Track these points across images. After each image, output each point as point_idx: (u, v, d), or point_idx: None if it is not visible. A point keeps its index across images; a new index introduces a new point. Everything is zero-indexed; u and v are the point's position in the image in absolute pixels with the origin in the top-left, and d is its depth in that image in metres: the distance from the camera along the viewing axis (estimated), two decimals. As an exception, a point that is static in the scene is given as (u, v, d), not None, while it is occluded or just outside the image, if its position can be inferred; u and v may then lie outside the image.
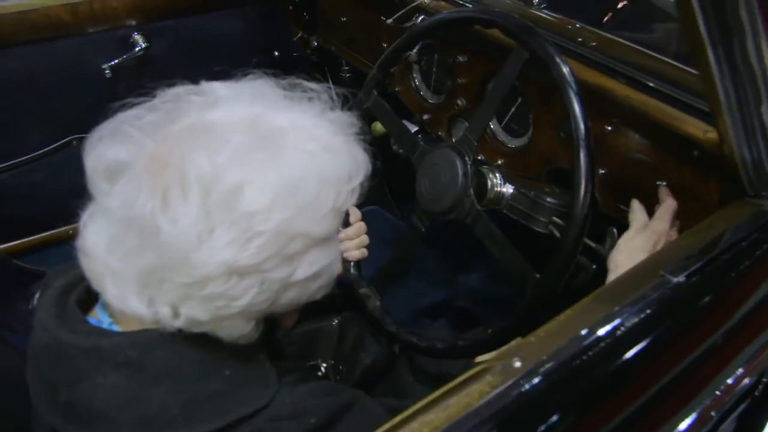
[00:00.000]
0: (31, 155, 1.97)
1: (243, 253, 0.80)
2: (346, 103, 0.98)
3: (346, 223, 1.45)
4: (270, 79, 0.96)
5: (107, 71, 1.95)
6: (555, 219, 1.23)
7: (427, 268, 1.87)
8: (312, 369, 1.35)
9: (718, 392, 0.92)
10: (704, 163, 1.14)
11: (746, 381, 0.96)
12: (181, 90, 0.90)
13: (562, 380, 0.79)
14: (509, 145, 1.59)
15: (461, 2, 1.66)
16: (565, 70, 1.13)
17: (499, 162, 1.59)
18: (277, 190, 0.81)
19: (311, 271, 0.88)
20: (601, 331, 0.83)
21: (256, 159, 0.82)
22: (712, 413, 0.92)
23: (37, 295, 1.95)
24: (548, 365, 0.79)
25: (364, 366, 1.41)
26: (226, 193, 0.79)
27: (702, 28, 0.83)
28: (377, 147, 1.47)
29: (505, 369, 0.79)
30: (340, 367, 1.36)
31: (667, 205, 1.16)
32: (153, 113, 0.87)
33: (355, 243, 1.42)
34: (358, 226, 1.43)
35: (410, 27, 1.61)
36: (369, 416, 0.94)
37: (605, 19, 1.97)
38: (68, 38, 1.90)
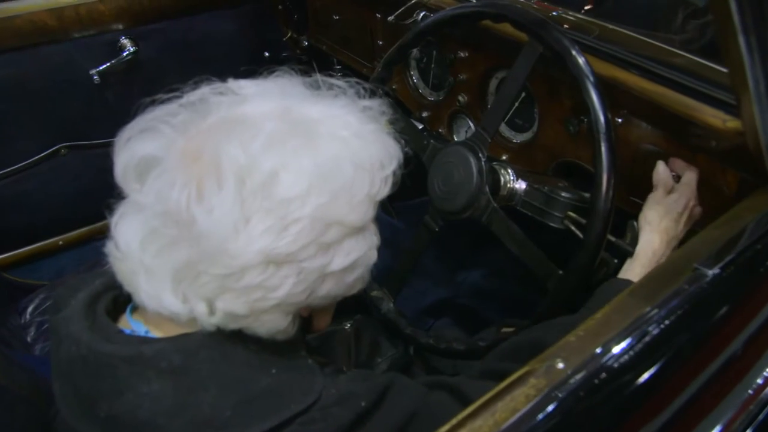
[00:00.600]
0: (19, 165, 1.91)
1: (280, 241, 0.79)
2: (373, 96, 0.97)
3: None
4: (296, 76, 0.95)
5: (95, 77, 1.90)
6: (570, 214, 1.20)
7: (429, 266, 1.85)
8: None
9: (760, 381, 0.90)
10: (723, 152, 1.12)
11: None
12: (207, 90, 0.88)
13: (607, 380, 0.77)
14: (514, 141, 1.57)
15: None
16: (582, 62, 1.11)
17: (504, 158, 1.57)
18: (313, 175, 0.81)
19: (348, 261, 0.87)
20: (643, 328, 0.81)
21: (291, 145, 0.81)
22: (751, 407, 0.90)
23: (30, 309, 1.90)
24: (592, 365, 0.77)
25: (380, 371, 1.38)
26: (261, 180, 0.78)
27: (735, 16, 0.81)
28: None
29: (549, 371, 0.77)
30: None
31: (691, 172, 1.16)
32: (183, 111, 0.86)
33: None
34: None
35: (412, 24, 1.58)
36: (409, 392, 0.94)
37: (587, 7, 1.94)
38: (54, 44, 1.86)
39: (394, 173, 0.92)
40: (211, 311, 0.81)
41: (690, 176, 1.16)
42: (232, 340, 0.84)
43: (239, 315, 0.82)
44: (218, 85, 0.90)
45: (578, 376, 0.75)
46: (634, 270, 1.10)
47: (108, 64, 1.92)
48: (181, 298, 0.81)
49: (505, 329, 1.39)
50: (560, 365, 0.77)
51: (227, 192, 0.77)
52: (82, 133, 1.97)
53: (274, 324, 0.85)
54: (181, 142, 0.82)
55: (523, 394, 0.74)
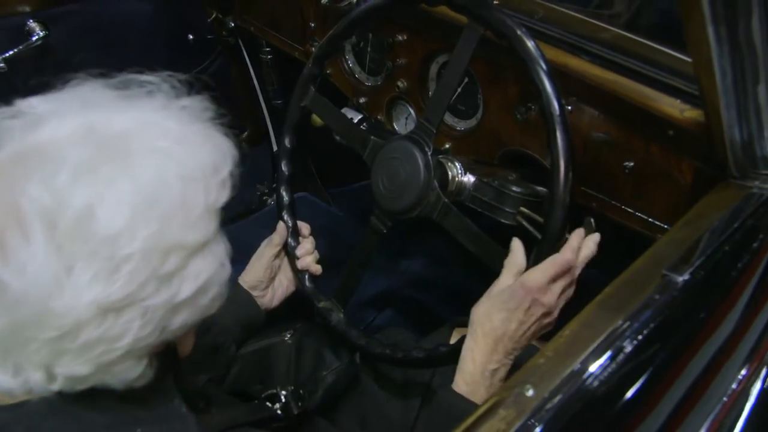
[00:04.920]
0: None
1: (113, 286, 0.70)
2: (192, 89, 0.87)
3: (296, 238, 1.36)
4: (97, 81, 0.83)
5: (1, 65, 1.74)
6: (523, 210, 1.14)
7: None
8: (270, 399, 1.22)
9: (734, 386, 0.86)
10: (679, 142, 1.08)
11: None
12: None
13: (580, 406, 0.71)
14: (457, 128, 1.50)
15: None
16: (531, 44, 1.04)
17: (447, 146, 1.50)
18: (135, 202, 0.71)
19: (198, 283, 0.77)
20: (616, 345, 0.76)
21: (103, 172, 0.71)
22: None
23: None
24: (564, 391, 0.71)
25: (326, 385, 1.30)
26: (75, 220, 0.68)
27: (705, 6, 0.76)
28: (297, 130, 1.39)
29: (518, 399, 0.70)
30: (301, 391, 1.24)
31: (556, 258, 0.99)
32: None
33: (314, 256, 1.32)
34: (312, 239, 1.37)
35: (347, 6, 1.49)
36: None
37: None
38: (-48, 28, 1.69)
39: (232, 174, 0.83)
40: (51, 378, 0.72)
41: (548, 262, 0.99)
42: (85, 400, 0.75)
43: (85, 375, 0.73)
44: (5, 110, 0.77)
45: (551, 405, 0.69)
46: (458, 384, 1.01)
47: (15, 50, 1.76)
48: (11, 372, 0.72)
49: (459, 328, 1.34)
50: (530, 392, 0.71)
51: (37, 243, 0.67)
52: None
53: (128, 373, 0.76)
54: None
55: (493, 428, 0.67)
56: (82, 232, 0.68)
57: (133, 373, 0.76)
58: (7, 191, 0.69)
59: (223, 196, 0.81)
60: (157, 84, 0.84)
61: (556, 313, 1.01)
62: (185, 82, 0.86)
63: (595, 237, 1.04)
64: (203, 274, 0.77)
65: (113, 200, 0.70)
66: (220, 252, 0.81)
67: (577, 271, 1.02)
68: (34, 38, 1.78)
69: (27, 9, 1.77)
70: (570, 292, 1.02)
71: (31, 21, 1.78)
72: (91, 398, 0.75)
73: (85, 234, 0.68)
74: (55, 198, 0.68)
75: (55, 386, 0.73)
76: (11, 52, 1.75)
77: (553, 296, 0.99)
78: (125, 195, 0.70)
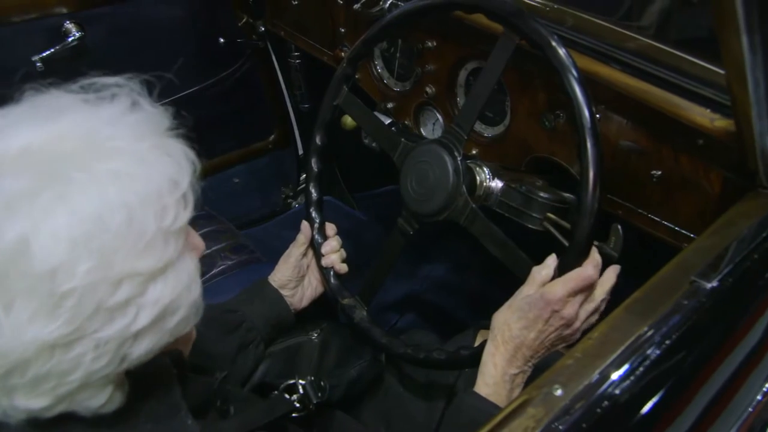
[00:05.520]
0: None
1: (55, 322, 0.66)
2: (153, 90, 0.82)
3: (323, 235, 1.38)
4: (53, 89, 0.79)
5: (38, 64, 1.78)
6: (550, 215, 1.15)
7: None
8: (289, 390, 1.24)
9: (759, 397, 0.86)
10: (709, 152, 1.08)
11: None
12: None
13: (607, 407, 0.72)
14: (485, 135, 1.51)
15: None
16: (564, 53, 1.05)
17: (474, 152, 1.51)
18: (72, 236, 0.66)
19: (157, 309, 0.73)
20: (644, 349, 0.76)
21: (41, 201, 0.66)
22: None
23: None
24: (591, 392, 0.72)
25: (349, 379, 1.32)
26: (9, 254, 0.64)
27: (740, 13, 0.76)
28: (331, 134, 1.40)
29: (547, 399, 0.71)
30: (322, 382, 1.26)
31: (578, 273, 1.00)
32: None
33: (339, 254, 1.33)
34: (338, 238, 1.37)
35: (378, 12, 1.50)
36: None
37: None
38: (-7, 28, 1.73)
39: (193, 187, 0.78)
40: (13, 409, 0.70)
41: (569, 276, 1.00)
42: (80, 421, 0.73)
43: (44, 407, 0.70)
44: None
45: (579, 405, 0.70)
46: (479, 387, 1.02)
47: (52, 50, 1.80)
48: None
49: (483, 331, 1.34)
50: (558, 392, 0.72)
51: None
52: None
53: (90, 402, 0.72)
54: None
55: (521, 426, 0.68)
56: (18, 266, 0.65)
57: (95, 401, 0.73)
58: None
59: (183, 215, 0.76)
60: (121, 86, 0.79)
61: (577, 325, 1.02)
62: (144, 82, 0.81)
63: (616, 268, 1.05)
64: (164, 298, 0.73)
65: (49, 233, 0.65)
66: (186, 273, 0.77)
67: (602, 303, 1.03)
68: (70, 39, 1.82)
69: (64, 10, 1.81)
70: (591, 306, 1.02)
71: (68, 22, 1.82)
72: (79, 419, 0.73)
73: (22, 269, 0.65)
74: None
75: (22, 415, 0.70)
76: (48, 52, 1.79)
77: (573, 309, 1.00)
78: (61, 229, 0.66)
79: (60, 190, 0.67)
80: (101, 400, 0.73)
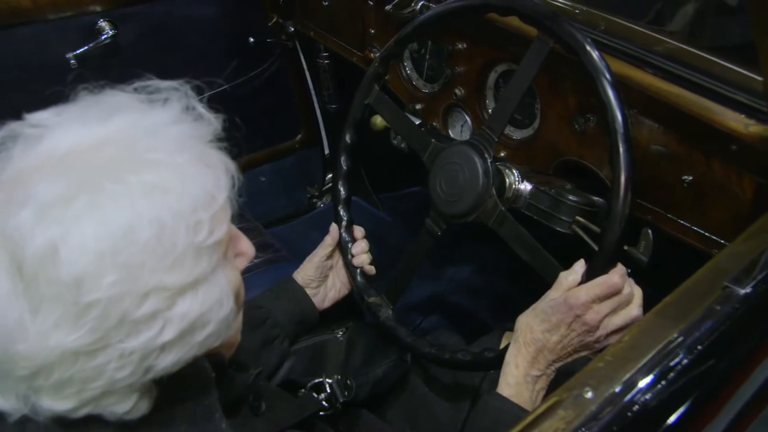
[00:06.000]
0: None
1: (79, 331, 0.66)
2: (200, 94, 0.82)
3: (351, 233, 1.38)
4: (108, 88, 0.80)
5: (72, 61, 1.80)
6: (579, 219, 1.15)
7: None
8: (316, 389, 1.25)
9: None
10: (742, 157, 1.07)
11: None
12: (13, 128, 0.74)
13: (637, 410, 0.71)
14: (513, 137, 1.51)
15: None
16: (597, 57, 1.05)
17: (502, 155, 1.51)
18: (99, 249, 0.66)
19: (185, 323, 0.72)
20: (673, 355, 0.76)
21: (74, 208, 0.67)
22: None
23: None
24: (623, 394, 0.72)
25: (375, 378, 1.33)
26: (38, 260, 0.65)
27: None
28: (359, 127, 1.41)
29: (577, 401, 0.71)
30: (348, 381, 1.27)
31: (603, 279, 1.01)
32: None
33: (368, 256, 1.36)
34: (366, 240, 1.39)
35: (409, 13, 1.51)
36: None
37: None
38: (28, 25, 1.75)
39: (230, 199, 0.78)
40: (39, 409, 0.70)
41: (597, 281, 1.01)
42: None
43: (69, 409, 0.70)
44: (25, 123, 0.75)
45: (609, 408, 0.70)
46: (502, 387, 1.03)
47: (86, 47, 1.82)
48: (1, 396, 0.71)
49: (509, 333, 1.34)
50: (589, 395, 0.72)
51: (1, 281, 0.66)
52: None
53: (114, 408, 0.72)
54: None
55: (552, 427, 0.69)
56: (47, 272, 0.65)
57: (120, 408, 0.72)
58: None
59: (219, 230, 0.75)
60: (174, 91, 0.80)
61: (600, 333, 1.02)
62: (195, 88, 0.82)
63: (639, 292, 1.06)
64: (193, 313, 0.72)
65: (77, 243, 0.65)
66: (218, 288, 0.76)
67: (629, 322, 1.03)
68: (103, 37, 1.84)
69: (98, 9, 1.84)
70: (618, 320, 1.02)
71: (102, 20, 1.85)
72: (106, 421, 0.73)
73: (50, 275, 0.65)
74: (19, 235, 0.66)
75: (48, 415, 0.71)
76: (82, 50, 1.81)
77: (597, 316, 1.00)
78: (89, 240, 0.66)
79: (92, 199, 0.67)
80: (125, 407, 0.72)
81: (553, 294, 1.04)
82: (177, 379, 0.76)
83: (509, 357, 1.05)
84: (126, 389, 0.71)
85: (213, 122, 0.81)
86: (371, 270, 1.36)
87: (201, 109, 0.80)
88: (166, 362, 0.72)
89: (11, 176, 0.71)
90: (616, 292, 1.01)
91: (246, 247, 0.86)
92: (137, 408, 0.73)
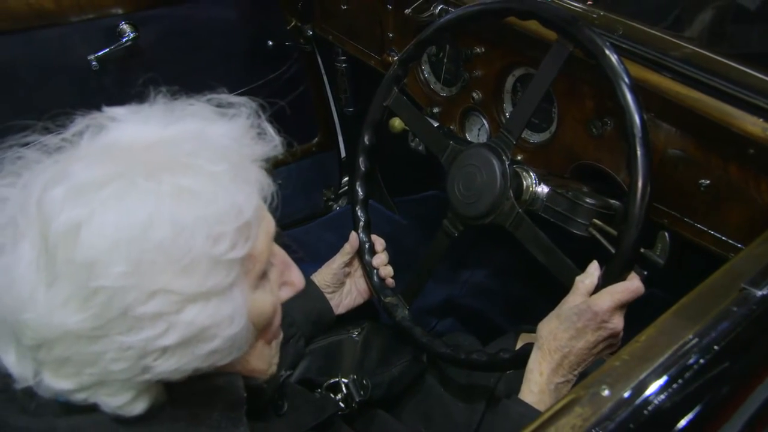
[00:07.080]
0: (13, 154, 1.83)
1: (82, 314, 0.67)
2: (265, 112, 0.85)
3: (368, 234, 1.40)
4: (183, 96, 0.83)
5: (94, 63, 1.82)
6: (596, 221, 1.16)
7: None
8: (332, 389, 1.26)
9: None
10: (760, 161, 1.08)
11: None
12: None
13: (654, 409, 0.72)
14: (531, 141, 1.52)
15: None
16: (616, 61, 1.06)
17: (519, 158, 1.52)
18: (116, 237, 0.67)
19: (189, 332, 0.71)
20: (689, 355, 0.76)
21: (101, 195, 0.68)
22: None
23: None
24: (639, 393, 0.72)
25: (391, 378, 1.33)
26: (61, 235, 0.67)
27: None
28: (377, 129, 1.42)
29: (594, 399, 0.72)
30: (364, 381, 1.28)
31: (626, 285, 1.03)
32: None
33: (389, 268, 1.37)
34: (386, 253, 1.40)
35: (428, 17, 1.52)
36: None
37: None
38: (51, 27, 1.77)
39: (269, 222, 0.81)
40: (42, 384, 0.72)
41: (617, 287, 1.03)
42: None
43: (69, 390, 0.71)
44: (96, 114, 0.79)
45: (625, 407, 0.71)
46: (524, 394, 1.04)
47: (107, 49, 1.84)
48: (14, 355, 0.73)
49: (525, 335, 1.35)
50: (606, 392, 0.72)
51: (23, 246, 0.68)
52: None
53: (109, 399, 0.72)
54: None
55: (569, 424, 0.69)
56: (65, 250, 0.67)
57: (113, 401, 0.72)
58: (21, 185, 0.72)
59: (242, 246, 0.74)
60: (242, 107, 0.83)
61: (621, 336, 1.04)
62: (259, 105, 0.84)
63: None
64: (198, 323, 0.71)
65: (98, 227, 0.67)
66: (231, 305, 0.74)
67: None
68: (124, 39, 1.85)
69: (120, 11, 1.85)
70: None
71: (123, 23, 1.85)
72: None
73: (68, 254, 0.67)
74: (49, 209, 0.68)
75: (50, 393, 0.72)
76: (103, 52, 1.83)
77: (620, 321, 1.03)
78: (109, 226, 0.67)
79: (123, 189, 0.69)
80: (119, 401, 0.72)
81: (574, 300, 1.05)
82: (211, 390, 0.78)
83: (533, 364, 1.05)
84: (121, 384, 0.72)
85: (275, 142, 0.84)
86: (392, 283, 1.38)
87: (268, 127, 0.84)
88: (166, 367, 0.71)
89: (69, 158, 0.74)
90: (638, 297, 1.02)
91: (296, 278, 0.88)
92: (132, 405, 0.73)
